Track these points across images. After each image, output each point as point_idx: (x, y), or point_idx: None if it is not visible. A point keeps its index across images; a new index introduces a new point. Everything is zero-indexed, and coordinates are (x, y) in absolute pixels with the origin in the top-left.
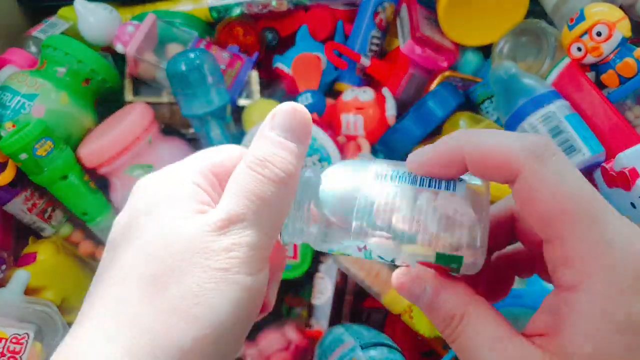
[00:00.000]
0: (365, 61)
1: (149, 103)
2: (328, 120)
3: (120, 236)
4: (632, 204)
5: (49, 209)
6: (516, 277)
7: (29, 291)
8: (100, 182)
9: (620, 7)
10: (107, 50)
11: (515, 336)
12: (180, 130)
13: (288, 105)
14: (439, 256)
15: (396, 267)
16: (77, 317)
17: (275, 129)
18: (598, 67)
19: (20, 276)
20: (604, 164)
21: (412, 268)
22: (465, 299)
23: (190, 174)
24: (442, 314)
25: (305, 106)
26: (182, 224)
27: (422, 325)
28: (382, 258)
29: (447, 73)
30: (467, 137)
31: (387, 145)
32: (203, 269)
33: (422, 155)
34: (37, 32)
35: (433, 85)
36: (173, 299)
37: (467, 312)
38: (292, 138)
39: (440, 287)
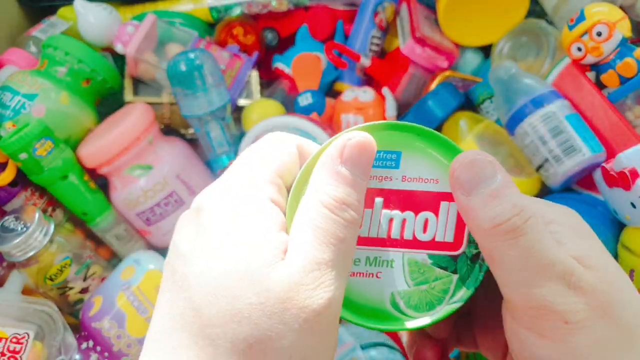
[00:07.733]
0: (366, 61)
1: (149, 103)
2: (328, 120)
3: (193, 276)
4: (632, 204)
5: (49, 209)
6: None
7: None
8: (100, 182)
9: (620, 7)
10: (107, 50)
11: None
12: (180, 131)
13: (357, 137)
14: None
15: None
16: None
17: (346, 164)
18: (598, 67)
19: (17, 277)
20: (604, 164)
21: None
22: None
23: (266, 191)
24: None
25: (305, 106)
26: (273, 278)
27: None
28: None
29: (447, 73)
30: None
31: None
32: (304, 332)
33: None
34: (37, 32)
35: (433, 85)
36: None
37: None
38: (362, 175)
39: None
